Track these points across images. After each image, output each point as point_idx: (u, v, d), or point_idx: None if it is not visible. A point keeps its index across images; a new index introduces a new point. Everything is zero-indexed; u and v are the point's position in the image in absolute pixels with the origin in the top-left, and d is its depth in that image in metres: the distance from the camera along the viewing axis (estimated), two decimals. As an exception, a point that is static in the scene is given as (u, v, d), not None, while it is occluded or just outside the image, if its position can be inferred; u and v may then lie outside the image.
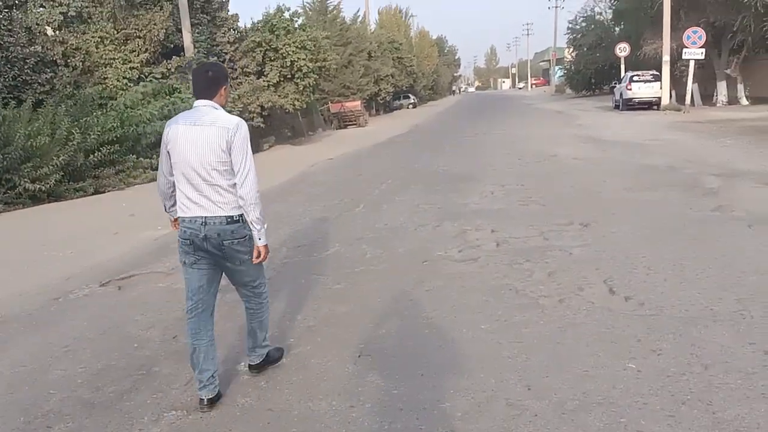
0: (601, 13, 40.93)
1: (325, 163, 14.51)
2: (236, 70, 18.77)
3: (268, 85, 18.82)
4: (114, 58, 14.27)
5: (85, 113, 12.18)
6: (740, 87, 24.23)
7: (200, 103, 3.08)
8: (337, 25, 30.81)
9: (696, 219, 6.44)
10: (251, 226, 3.04)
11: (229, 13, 19.98)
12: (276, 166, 14.88)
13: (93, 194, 12.00)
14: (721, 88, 24.71)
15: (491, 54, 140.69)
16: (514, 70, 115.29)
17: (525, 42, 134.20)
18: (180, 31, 17.08)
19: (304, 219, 7.86)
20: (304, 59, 18.60)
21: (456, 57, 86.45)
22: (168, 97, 13.00)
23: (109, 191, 12.28)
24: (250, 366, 3.49)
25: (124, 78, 14.17)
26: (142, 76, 14.46)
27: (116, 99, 13.34)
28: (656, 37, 24.75)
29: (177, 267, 5.91)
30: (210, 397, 3.14)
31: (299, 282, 5.26)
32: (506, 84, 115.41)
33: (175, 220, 3.26)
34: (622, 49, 30.97)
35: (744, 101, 23.96)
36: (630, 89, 24.54)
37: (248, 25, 20.00)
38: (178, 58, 15.70)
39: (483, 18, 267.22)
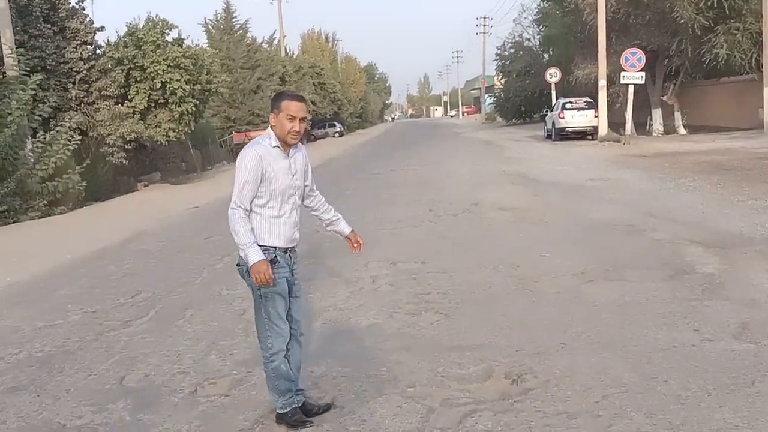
0: (529, 39, 39.50)
1: (184, 214, 11.00)
2: (92, 93, 15.02)
3: (134, 112, 15.15)
4: None
5: None
6: (677, 115, 22.45)
7: None
8: (243, 46, 27.48)
9: (725, 367, 3.40)
10: None
11: (92, 24, 16.19)
12: (113, 218, 11.32)
13: None
14: (657, 116, 22.90)
15: (424, 82, 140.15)
16: (445, 98, 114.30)
17: (456, 70, 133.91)
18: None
19: (22, 353, 4.34)
20: (178, 80, 15.06)
21: (387, 84, 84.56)
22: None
23: None
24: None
25: None
26: None
27: None
28: (587, 61, 22.82)
29: None
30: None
31: None
32: (438, 112, 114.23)
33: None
34: (553, 75, 29.11)
35: (681, 130, 22.15)
36: (563, 118, 22.32)
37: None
38: (-14, 76, 11.94)
39: (415, 46, 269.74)
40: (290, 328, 3.09)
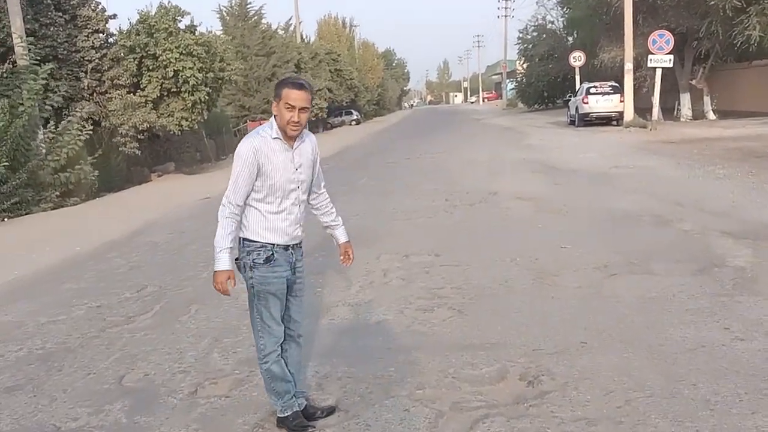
0: (552, 22, 38.56)
1: (196, 205, 10.88)
2: (104, 82, 14.98)
3: (146, 101, 15.08)
4: None
5: None
6: (707, 99, 21.71)
7: None
8: (258, 33, 27.29)
9: (758, 369, 3.14)
10: None
11: (104, 12, 16.08)
12: (125, 209, 11.29)
13: None
14: (685, 100, 22.20)
15: (444, 68, 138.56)
16: (465, 84, 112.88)
17: (476, 55, 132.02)
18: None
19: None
20: (191, 68, 14.93)
21: (405, 70, 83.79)
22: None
23: None
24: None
25: None
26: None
27: None
28: (613, 44, 22.16)
29: None
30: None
31: None
32: (459, 98, 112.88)
33: None
34: (577, 59, 28.35)
35: (711, 115, 21.45)
36: (587, 103, 21.74)
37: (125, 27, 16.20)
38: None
39: (434, 31, 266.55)
40: (287, 328, 2.91)
